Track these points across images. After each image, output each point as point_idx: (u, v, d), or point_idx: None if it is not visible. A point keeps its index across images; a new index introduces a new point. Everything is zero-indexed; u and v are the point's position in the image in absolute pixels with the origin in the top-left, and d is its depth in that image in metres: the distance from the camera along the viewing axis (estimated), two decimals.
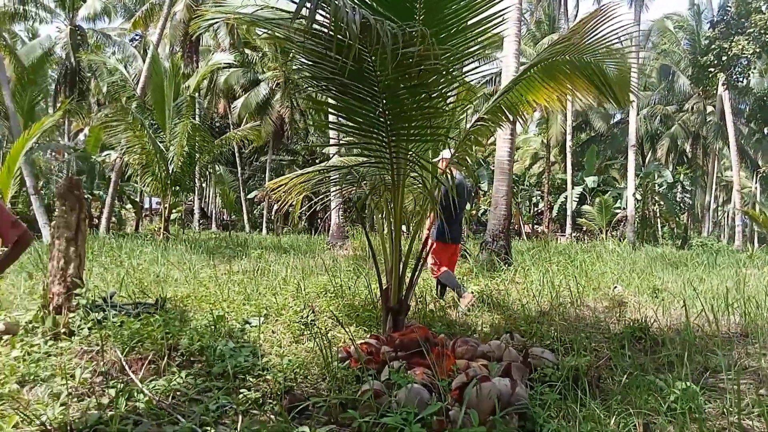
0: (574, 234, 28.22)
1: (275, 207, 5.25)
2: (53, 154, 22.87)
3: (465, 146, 4.29)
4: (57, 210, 4.53)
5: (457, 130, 4.89)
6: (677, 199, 29.00)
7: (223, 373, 3.42)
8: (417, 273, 4.02)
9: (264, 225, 30.05)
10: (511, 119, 4.51)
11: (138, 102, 15.53)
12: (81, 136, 30.03)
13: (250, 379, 3.34)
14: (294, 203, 5.26)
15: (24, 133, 9.78)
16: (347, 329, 4.30)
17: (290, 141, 31.93)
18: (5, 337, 4.08)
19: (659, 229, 32.17)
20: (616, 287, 7.37)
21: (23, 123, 13.33)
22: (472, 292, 5.92)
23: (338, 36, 2.75)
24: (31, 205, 13.94)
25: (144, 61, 17.37)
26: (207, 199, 37.14)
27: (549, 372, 3.39)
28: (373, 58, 2.98)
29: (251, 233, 25.48)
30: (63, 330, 4.08)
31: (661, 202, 31.36)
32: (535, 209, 40.42)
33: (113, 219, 19.14)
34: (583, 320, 5.55)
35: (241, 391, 3.07)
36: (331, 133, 14.68)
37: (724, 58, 17.84)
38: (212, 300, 5.78)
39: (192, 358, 3.64)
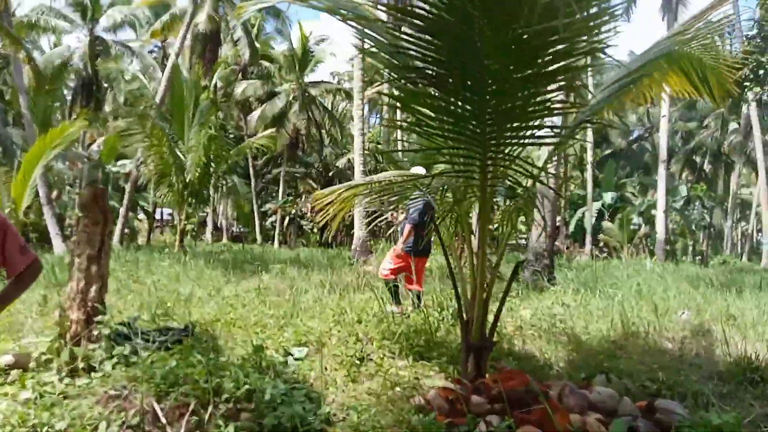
0: (593, 251, 27.40)
1: (319, 219, 4.62)
2: (67, 163, 22.44)
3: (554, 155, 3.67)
4: (79, 223, 3.94)
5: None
6: (694, 216, 28.19)
7: (278, 425, 2.79)
8: (502, 302, 3.38)
9: (276, 237, 29.39)
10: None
11: (157, 111, 15.07)
12: (94, 147, 29.70)
13: None
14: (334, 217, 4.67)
15: (40, 140, 9.26)
16: (415, 369, 3.65)
17: (305, 153, 31.44)
18: (13, 372, 3.49)
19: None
20: (683, 313, 6.66)
21: (38, 132, 12.94)
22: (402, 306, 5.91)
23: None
24: (44, 215, 13.48)
25: (162, 72, 16.95)
26: (218, 211, 36.64)
27: None
28: (478, 36, 2.37)
29: (263, 245, 24.87)
30: (81, 365, 3.47)
31: (677, 219, 30.47)
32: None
33: (126, 230, 18.56)
34: (668, 354, 4.87)
35: None
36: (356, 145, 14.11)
37: (761, 72, 17.17)
38: (243, 324, 5.18)
39: (238, 405, 3.00)
